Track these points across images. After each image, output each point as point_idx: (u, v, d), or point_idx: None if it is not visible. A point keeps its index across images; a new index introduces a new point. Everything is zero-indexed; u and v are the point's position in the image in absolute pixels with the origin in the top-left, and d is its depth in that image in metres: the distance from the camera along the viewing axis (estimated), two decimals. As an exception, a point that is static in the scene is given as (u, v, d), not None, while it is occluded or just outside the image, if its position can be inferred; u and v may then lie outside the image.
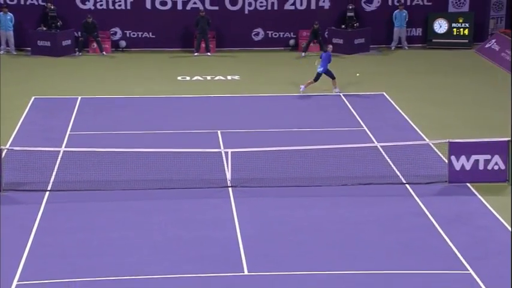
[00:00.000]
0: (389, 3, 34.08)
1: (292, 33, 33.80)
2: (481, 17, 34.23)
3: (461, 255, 15.83)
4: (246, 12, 33.72)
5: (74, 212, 17.80)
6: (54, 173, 19.74)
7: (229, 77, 29.48)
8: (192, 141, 21.85)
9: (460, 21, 33.98)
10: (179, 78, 29.38)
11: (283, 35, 33.94)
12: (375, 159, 20.66)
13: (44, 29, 32.25)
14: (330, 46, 27.52)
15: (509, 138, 19.57)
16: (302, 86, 26.82)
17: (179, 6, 33.37)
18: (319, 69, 26.55)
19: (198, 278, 14.93)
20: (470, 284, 14.76)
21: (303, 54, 32.78)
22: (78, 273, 15.01)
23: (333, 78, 26.81)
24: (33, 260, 15.55)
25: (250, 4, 33.63)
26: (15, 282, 14.63)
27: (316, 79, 26.66)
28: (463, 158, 19.47)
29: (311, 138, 22.24)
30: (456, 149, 19.51)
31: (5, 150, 19.66)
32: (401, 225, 17.30)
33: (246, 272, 15.16)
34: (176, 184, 19.10)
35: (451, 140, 19.68)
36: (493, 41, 32.76)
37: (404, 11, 33.65)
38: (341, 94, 26.74)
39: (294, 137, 22.43)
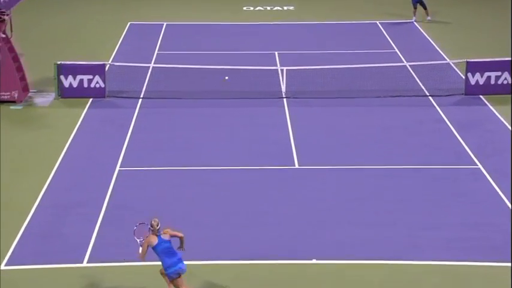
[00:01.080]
0: None
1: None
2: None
3: (472, 153, 15.74)
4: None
5: (160, 115, 18.06)
6: (145, 84, 19.94)
7: (285, 7, 29.04)
8: (254, 60, 21.76)
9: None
10: (244, 8, 29.06)
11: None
12: (403, 76, 20.40)
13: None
14: None
15: (518, 58, 19.18)
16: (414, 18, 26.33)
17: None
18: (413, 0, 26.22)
19: (257, 169, 15.14)
20: (478, 176, 14.73)
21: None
22: (164, 163, 15.36)
23: (424, 8, 26.17)
24: (131, 151, 15.93)
25: None
26: (117, 168, 15.06)
27: (423, 5, 26.09)
28: (477, 75, 19.12)
29: (352, 58, 21.95)
30: (472, 67, 19.17)
31: (108, 65, 19.91)
32: (424, 129, 17.19)
33: (296, 166, 15.30)
34: (241, 95, 19.15)
35: (468, 60, 19.29)
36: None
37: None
38: (377, 22, 26.20)
39: (338, 57, 22.14)
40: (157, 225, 10.15)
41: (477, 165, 15.16)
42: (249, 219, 13.07)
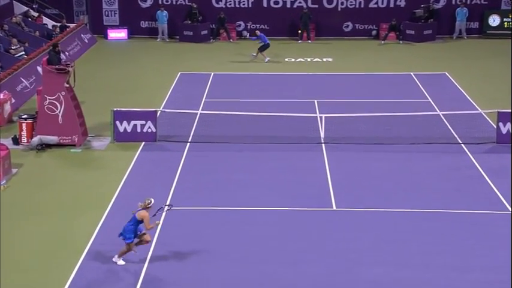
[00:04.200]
0: (453, 2, 32.96)
1: (374, 26, 33.19)
2: (528, 13, 32.78)
3: (504, 199, 15.45)
4: (339, 9, 33.30)
5: (206, 158, 18.14)
6: (193, 129, 20.14)
7: (324, 59, 29.24)
8: (296, 107, 21.85)
9: (510, 16, 32.50)
10: (286, 59, 29.35)
11: (367, 27, 33.37)
12: (437, 124, 20.25)
13: (189, 22, 32.68)
14: (258, 31, 28.79)
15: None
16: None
17: (288, 5, 33.26)
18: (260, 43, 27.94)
19: (297, 210, 15.08)
20: (510, 221, 14.42)
21: (382, 42, 32.18)
22: (209, 203, 15.39)
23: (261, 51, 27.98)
24: (178, 192, 16.01)
25: (342, 3, 33.22)
26: (165, 208, 15.08)
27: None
28: (508, 124, 18.85)
29: (388, 107, 21.91)
30: (503, 117, 18.90)
31: (159, 111, 20.18)
32: (456, 175, 16.95)
33: (334, 208, 15.21)
34: (283, 140, 19.18)
35: (499, 110, 19.08)
36: (536, 32, 31.27)
37: (464, 8, 32.50)
38: (412, 73, 26.16)
39: (374, 106, 22.14)
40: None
41: (509, 211, 14.85)
42: (289, 257, 12.99)
